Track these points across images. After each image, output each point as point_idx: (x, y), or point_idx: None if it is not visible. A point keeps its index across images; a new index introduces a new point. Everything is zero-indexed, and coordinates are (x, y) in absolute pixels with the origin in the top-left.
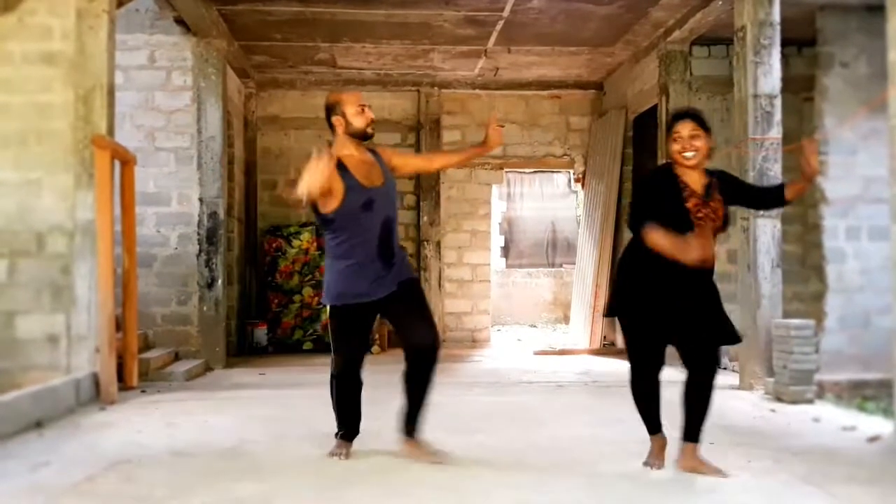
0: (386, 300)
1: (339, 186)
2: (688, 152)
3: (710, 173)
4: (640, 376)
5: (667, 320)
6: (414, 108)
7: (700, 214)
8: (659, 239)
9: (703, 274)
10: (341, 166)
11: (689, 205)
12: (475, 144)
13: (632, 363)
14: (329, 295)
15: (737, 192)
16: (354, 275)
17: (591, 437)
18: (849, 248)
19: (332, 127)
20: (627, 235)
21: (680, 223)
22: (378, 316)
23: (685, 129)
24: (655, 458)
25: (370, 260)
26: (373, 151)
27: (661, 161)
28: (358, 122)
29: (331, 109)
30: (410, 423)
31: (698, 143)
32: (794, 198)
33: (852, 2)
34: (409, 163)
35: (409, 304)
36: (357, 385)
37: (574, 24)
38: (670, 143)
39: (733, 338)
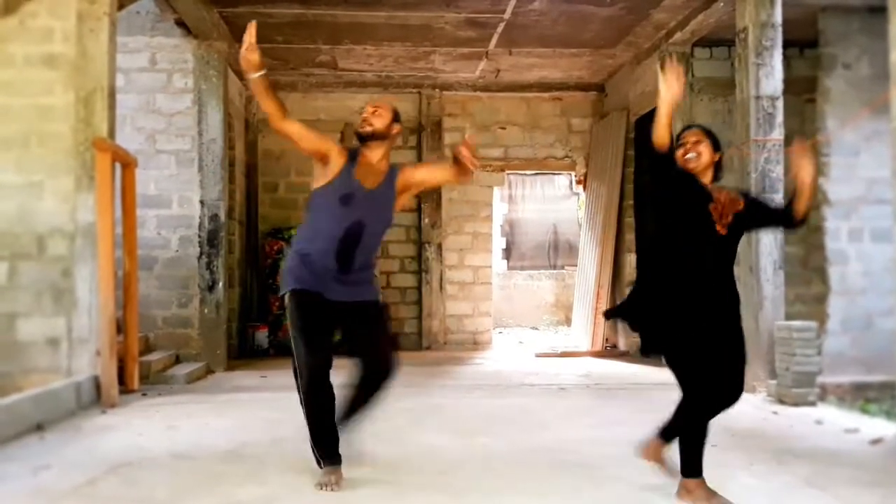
0: (342, 312)
1: (337, 166)
2: (689, 153)
3: (731, 190)
4: (703, 408)
5: (709, 342)
6: (415, 110)
7: (718, 196)
8: (658, 123)
9: (730, 288)
10: (353, 155)
11: (705, 188)
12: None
13: (696, 394)
14: (285, 283)
15: (763, 213)
16: (310, 265)
17: (594, 440)
18: (851, 249)
19: None
20: (629, 237)
21: (699, 199)
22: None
23: (691, 136)
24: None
25: (325, 255)
26: (392, 168)
27: None
28: (357, 123)
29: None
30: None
31: (701, 148)
32: (804, 212)
33: (854, 3)
34: (434, 174)
35: (373, 327)
36: (330, 396)
37: (575, 26)
38: (678, 151)
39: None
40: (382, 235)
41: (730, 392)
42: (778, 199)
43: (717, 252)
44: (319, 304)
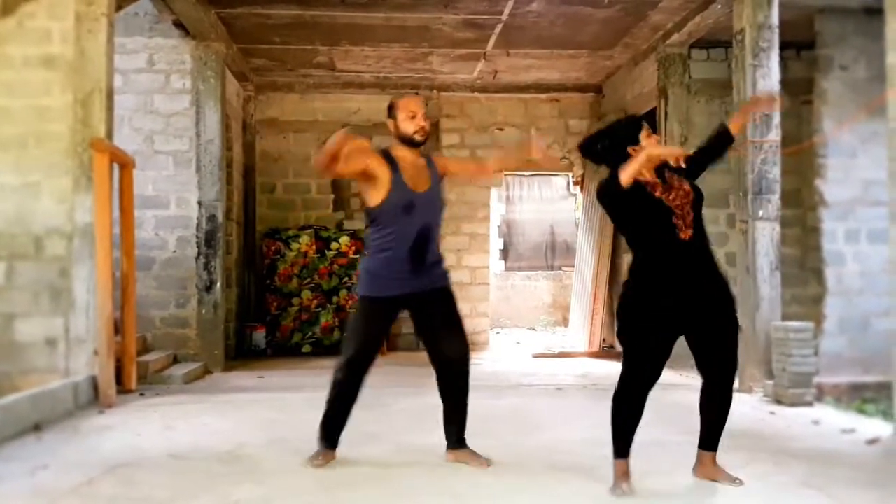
0: (413, 303)
1: (385, 178)
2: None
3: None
4: (632, 391)
5: (678, 326)
6: None
7: (671, 197)
8: (629, 167)
9: (711, 274)
10: (392, 160)
11: (657, 193)
12: (518, 148)
13: (629, 376)
14: (360, 286)
15: (696, 159)
16: (384, 269)
17: (591, 441)
18: (848, 250)
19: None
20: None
21: (659, 212)
22: (409, 315)
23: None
24: (624, 480)
25: (400, 260)
26: (428, 158)
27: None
28: (406, 127)
29: (387, 111)
30: (453, 432)
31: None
32: (738, 131)
33: (851, 5)
34: (465, 167)
35: (438, 313)
36: (356, 391)
37: (573, 28)
38: (643, 141)
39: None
40: (441, 223)
41: (715, 373)
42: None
43: (686, 251)
44: (384, 310)
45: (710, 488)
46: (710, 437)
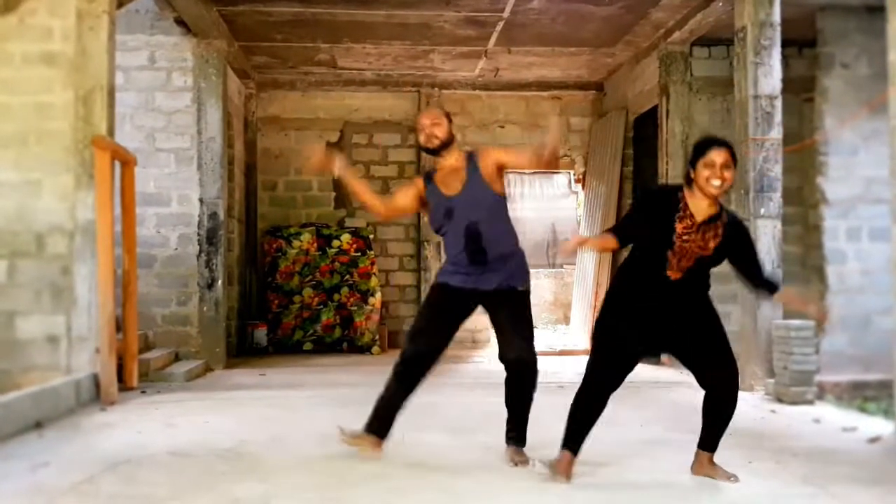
0: (484, 300)
1: (423, 191)
2: (715, 180)
3: (726, 212)
4: (594, 390)
5: (648, 337)
6: (414, 108)
7: (686, 237)
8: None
9: (692, 294)
10: (429, 181)
11: (679, 226)
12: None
13: (591, 374)
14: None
15: (740, 251)
16: (450, 266)
17: (592, 439)
18: (849, 248)
19: None
20: None
21: (662, 242)
22: (483, 310)
23: (720, 157)
24: (563, 472)
25: (460, 262)
26: (469, 155)
27: (663, 163)
28: (420, 139)
29: None
30: (512, 431)
31: (728, 174)
32: (782, 301)
33: (853, 2)
34: (520, 159)
35: (505, 314)
36: (407, 383)
37: (574, 25)
38: (700, 168)
39: (728, 366)
40: (502, 214)
41: (713, 386)
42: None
43: (666, 287)
44: (450, 300)
45: (713, 486)
46: (710, 439)
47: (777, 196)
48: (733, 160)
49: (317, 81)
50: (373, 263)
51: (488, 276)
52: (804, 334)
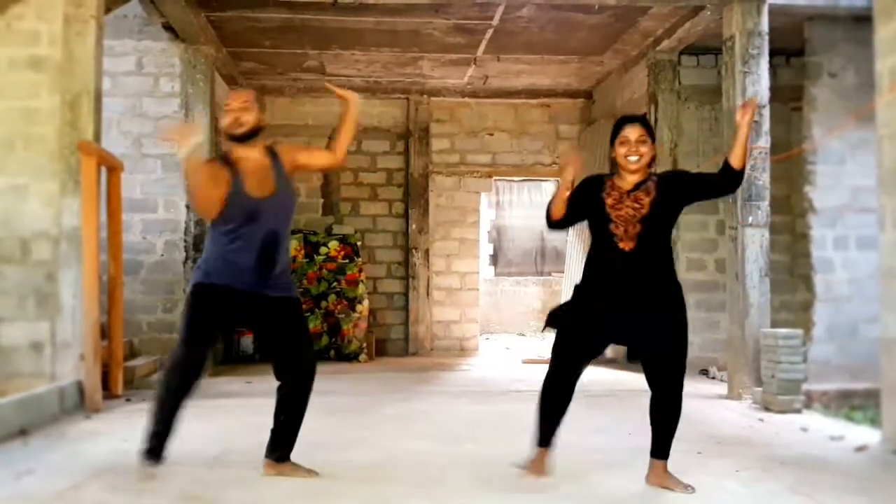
0: (256, 309)
1: (223, 184)
2: (632, 156)
3: (653, 175)
4: (554, 380)
5: (606, 329)
6: (403, 115)
7: (618, 206)
8: (553, 203)
9: (653, 267)
10: (231, 164)
11: (609, 200)
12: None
13: (553, 367)
14: (196, 273)
15: (687, 186)
16: (228, 263)
17: (579, 447)
18: (837, 257)
19: None
20: None
21: (600, 219)
22: (252, 325)
23: (633, 133)
24: (536, 470)
25: (246, 265)
26: (273, 152)
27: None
28: (224, 122)
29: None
30: (279, 447)
31: (644, 148)
32: (741, 164)
33: (840, 12)
34: (315, 159)
35: (286, 324)
36: (190, 384)
37: (563, 33)
38: (617, 147)
39: (674, 349)
40: (290, 223)
41: (658, 384)
42: (763, 210)
43: (624, 261)
44: (222, 304)
45: (701, 496)
46: (660, 446)
47: (765, 205)
48: (649, 135)
49: (305, 88)
50: (360, 270)
51: (269, 286)
52: (792, 343)
